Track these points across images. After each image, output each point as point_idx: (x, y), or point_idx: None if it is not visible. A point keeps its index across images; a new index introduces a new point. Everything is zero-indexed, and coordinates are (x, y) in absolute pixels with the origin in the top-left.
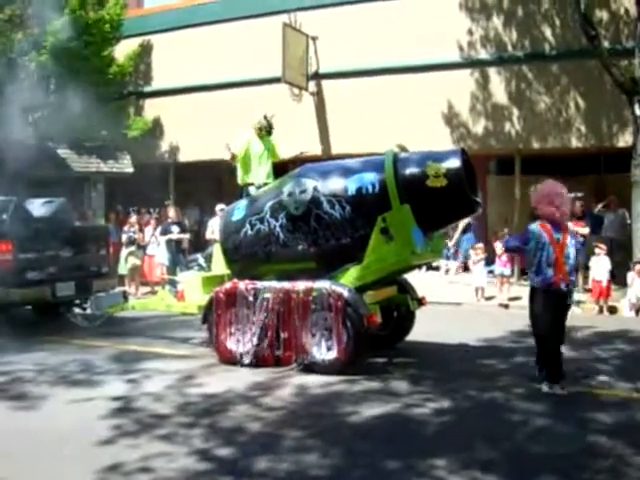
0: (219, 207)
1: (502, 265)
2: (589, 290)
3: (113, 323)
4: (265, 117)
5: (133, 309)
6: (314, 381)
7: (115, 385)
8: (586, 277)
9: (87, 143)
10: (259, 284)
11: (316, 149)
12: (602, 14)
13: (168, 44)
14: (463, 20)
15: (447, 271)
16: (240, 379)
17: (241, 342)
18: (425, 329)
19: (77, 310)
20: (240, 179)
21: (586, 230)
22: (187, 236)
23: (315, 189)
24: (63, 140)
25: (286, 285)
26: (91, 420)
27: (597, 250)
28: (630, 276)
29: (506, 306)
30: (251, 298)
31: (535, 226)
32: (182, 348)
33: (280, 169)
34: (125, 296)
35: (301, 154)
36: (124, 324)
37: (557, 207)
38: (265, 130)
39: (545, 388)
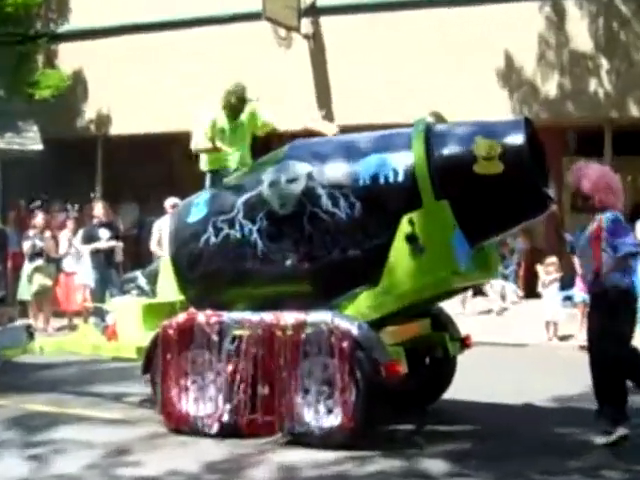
0: (170, 202)
1: (585, 289)
2: None
3: (11, 372)
4: (236, 89)
5: (41, 352)
6: (306, 459)
7: (11, 463)
8: None
9: None
10: (227, 316)
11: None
12: None
13: None
14: None
15: (503, 297)
16: (196, 455)
17: (200, 401)
18: (471, 382)
19: None
20: (205, 163)
21: None
22: (121, 244)
23: (310, 177)
24: None
25: (267, 318)
26: None
27: None
28: None
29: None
30: (215, 337)
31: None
32: (113, 409)
33: (260, 148)
34: (30, 332)
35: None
36: (28, 373)
37: (618, 197)
38: (234, 111)
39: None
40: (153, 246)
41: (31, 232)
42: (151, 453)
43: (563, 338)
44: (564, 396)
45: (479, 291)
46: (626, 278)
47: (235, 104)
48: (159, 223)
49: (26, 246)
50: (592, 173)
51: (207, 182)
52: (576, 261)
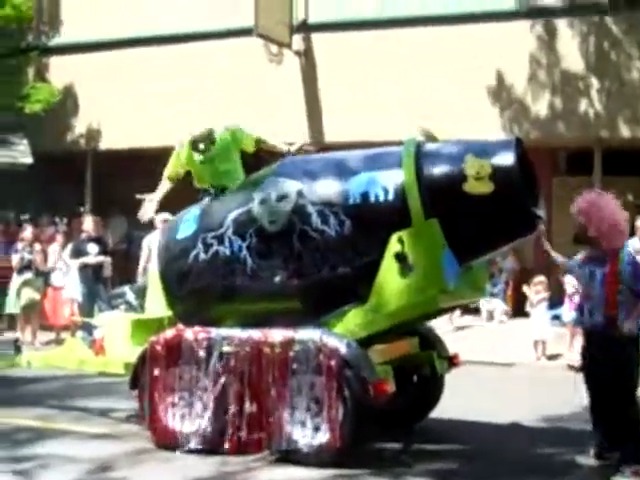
0: (161, 217)
1: (574, 308)
2: None
3: None
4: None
5: (29, 365)
6: (292, 477)
7: None
8: None
9: None
10: (215, 333)
11: (302, 136)
12: None
13: None
14: None
15: (490, 314)
16: (181, 473)
17: (187, 418)
18: (458, 401)
19: None
20: (196, 180)
21: None
22: (109, 259)
23: (300, 194)
24: None
25: (255, 335)
26: None
27: None
28: None
29: (578, 369)
30: (203, 353)
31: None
32: (99, 424)
33: (250, 164)
34: (17, 346)
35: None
36: (14, 387)
37: (625, 234)
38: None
39: None
40: (142, 263)
41: (20, 245)
42: (137, 469)
43: (551, 357)
44: (552, 416)
45: (467, 309)
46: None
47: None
48: (148, 239)
49: (15, 259)
50: (601, 201)
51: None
52: (566, 280)
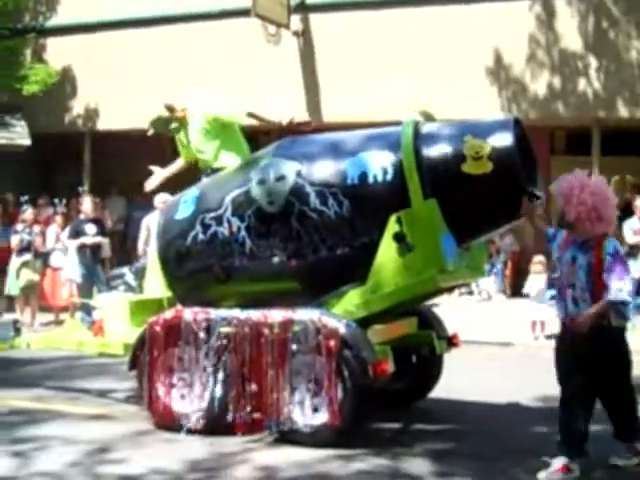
0: (160, 198)
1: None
2: None
3: None
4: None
5: (28, 347)
6: (291, 457)
7: None
8: None
9: None
10: (214, 313)
11: (300, 116)
12: None
13: None
14: None
15: (487, 295)
16: (180, 453)
17: (187, 398)
18: (457, 381)
19: None
20: (202, 161)
21: None
22: (107, 240)
23: (298, 174)
24: None
25: (254, 315)
26: None
27: None
28: None
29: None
30: (202, 334)
31: (617, 242)
32: (98, 405)
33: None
34: (16, 327)
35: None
36: (12, 369)
37: (605, 215)
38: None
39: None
40: (141, 244)
41: (20, 226)
42: (135, 450)
43: (549, 337)
44: (549, 395)
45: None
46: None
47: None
48: (147, 220)
49: (15, 241)
50: (597, 185)
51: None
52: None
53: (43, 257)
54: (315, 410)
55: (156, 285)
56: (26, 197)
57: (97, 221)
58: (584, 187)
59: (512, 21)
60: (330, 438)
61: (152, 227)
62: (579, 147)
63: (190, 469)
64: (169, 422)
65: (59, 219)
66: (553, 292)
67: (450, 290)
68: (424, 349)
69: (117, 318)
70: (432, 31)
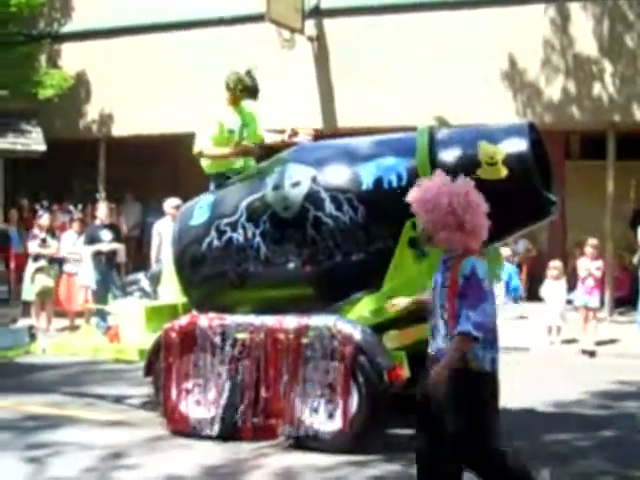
0: (171, 203)
1: (587, 292)
2: None
3: (12, 373)
4: (249, 72)
5: (43, 353)
6: (307, 463)
7: (10, 465)
8: None
9: None
10: (229, 319)
11: (315, 121)
12: None
13: None
14: None
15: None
16: (196, 459)
17: (202, 404)
18: None
19: None
20: (208, 165)
21: None
22: (122, 246)
23: (314, 180)
24: None
25: (269, 321)
26: None
27: None
28: None
29: (592, 353)
30: (218, 340)
31: (480, 262)
32: (113, 411)
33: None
34: (32, 333)
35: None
36: (28, 374)
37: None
38: (247, 92)
39: None
40: (154, 250)
41: (36, 232)
42: (151, 456)
43: (565, 342)
44: (564, 400)
45: None
46: (488, 352)
47: (247, 85)
48: (158, 225)
49: (32, 246)
50: (468, 191)
51: (211, 185)
52: (579, 264)
53: (58, 263)
54: (330, 416)
55: (171, 291)
56: (43, 202)
57: (113, 227)
58: (440, 189)
59: (527, 25)
60: (345, 444)
61: (163, 232)
62: (594, 151)
63: (206, 474)
64: (184, 428)
65: (76, 225)
66: (568, 297)
67: None
68: None
69: (132, 324)
70: (447, 36)
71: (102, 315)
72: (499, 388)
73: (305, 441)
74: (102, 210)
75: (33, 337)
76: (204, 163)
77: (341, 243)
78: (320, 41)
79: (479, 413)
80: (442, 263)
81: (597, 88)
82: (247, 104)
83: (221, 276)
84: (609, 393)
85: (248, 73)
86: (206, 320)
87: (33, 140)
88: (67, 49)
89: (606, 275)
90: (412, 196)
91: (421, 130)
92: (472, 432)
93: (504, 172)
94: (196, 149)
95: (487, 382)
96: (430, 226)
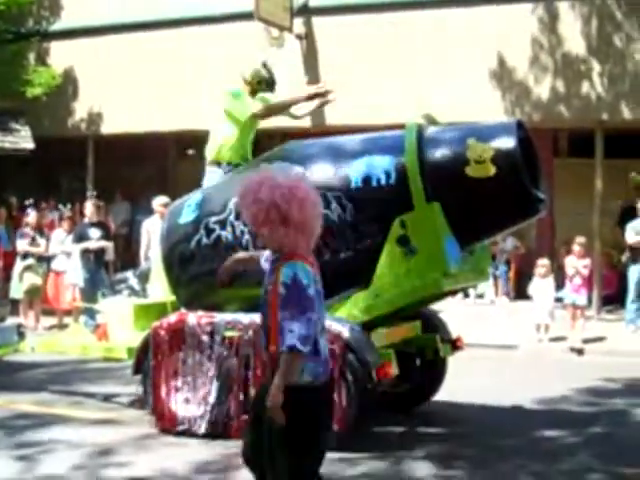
0: (160, 201)
1: (574, 290)
2: None
3: (1, 371)
4: (264, 65)
5: (32, 351)
6: None
7: (2, 464)
8: None
9: None
10: (218, 317)
11: (303, 119)
12: None
13: None
14: None
15: (479, 296)
16: (186, 456)
17: (191, 402)
18: (461, 384)
19: None
20: (210, 152)
21: None
22: (111, 244)
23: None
24: None
25: (258, 319)
26: None
27: None
28: None
29: (580, 351)
30: (206, 338)
31: (303, 267)
32: (102, 409)
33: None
34: (20, 331)
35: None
36: (16, 373)
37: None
38: (265, 84)
39: None
40: (143, 248)
41: (24, 230)
42: (140, 454)
43: (553, 339)
44: (553, 398)
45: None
46: (314, 363)
47: (264, 78)
48: (147, 224)
49: (20, 244)
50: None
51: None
52: (567, 262)
53: (47, 261)
54: None
55: (160, 289)
56: (30, 201)
57: (101, 225)
58: (263, 182)
59: (515, 24)
60: (334, 441)
61: (152, 230)
62: (582, 149)
63: (196, 471)
64: (173, 426)
65: (66, 224)
66: (556, 294)
67: (454, 293)
68: (428, 352)
69: (121, 322)
70: (435, 34)
71: (91, 313)
72: (331, 401)
73: None
74: (88, 208)
75: (22, 335)
76: (209, 151)
77: (329, 241)
78: (309, 39)
79: (313, 433)
80: (270, 263)
81: (585, 87)
82: (266, 95)
83: (210, 274)
84: (597, 390)
85: (264, 66)
86: (195, 318)
87: (21, 138)
88: (56, 47)
89: (594, 273)
90: (236, 190)
91: (409, 128)
92: (306, 456)
93: (492, 170)
94: (254, 110)
95: (319, 397)
96: (251, 221)
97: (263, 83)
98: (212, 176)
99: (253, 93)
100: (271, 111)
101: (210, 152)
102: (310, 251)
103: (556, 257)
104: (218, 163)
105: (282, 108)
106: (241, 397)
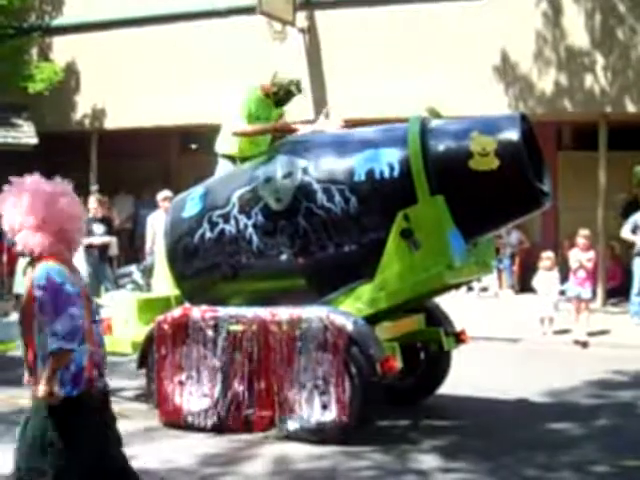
0: (162, 195)
1: (578, 284)
2: None
3: (5, 366)
4: (297, 84)
5: None
6: (300, 453)
7: (3, 458)
8: None
9: None
10: (222, 312)
11: (306, 113)
12: None
13: None
14: None
15: (483, 289)
16: (189, 450)
17: (195, 396)
18: (466, 377)
19: None
20: (224, 145)
21: None
22: (115, 239)
23: (305, 172)
24: None
25: (262, 313)
26: None
27: None
28: None
29: (584, 344)
30: (210, 332)
31: (54, 266)
32: None
33: None
34: None
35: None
36: (21, 368)
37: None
38: (276, 98)
39: None
40: (148, 242)
41: None
42: (145, 447)
43: (557, 332)
44: (558, 390)
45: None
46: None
47: (291, 90)
48: (151, 218)
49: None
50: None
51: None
52: (570, 255)
53: None
54: (324, 407)
55: (164, 283)
56: None
57: (105, 220)
58: (23, 188)
59: (519, 18)
60: (339, 435)
61: (156, 225)
62: (586, 142)
63: (202, 464)
64: (178, 420)
65: None
66: (560, 287)
67: (457, 287)
68: (432, 346)
69: (125, 316)
70: (439, 28)
71: None
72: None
73: (298, 432)
74: (93, 203)
75: None
76: (233, 149)
77: (333, 234)
78: (311, 33)
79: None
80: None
81: (589, 80)
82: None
83: (213, 268)
84: (601, 383)
85: (296, 85)
86: (199, 312)
87: (24, 133)
88: (58, 42)
89: (598, 266)
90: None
91: (413, 121)
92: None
93: (496, 163)
94: (235, 129)
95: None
96: (9, 225)
97: (276, 96)
98: (225, 169)
99: (267, 94)
100: (246, 135)
101: (223, 145)
102: (64, 250)
103: (560, 250)
104: (231, 157)
105: (257, 132)
106: (245, 391)
